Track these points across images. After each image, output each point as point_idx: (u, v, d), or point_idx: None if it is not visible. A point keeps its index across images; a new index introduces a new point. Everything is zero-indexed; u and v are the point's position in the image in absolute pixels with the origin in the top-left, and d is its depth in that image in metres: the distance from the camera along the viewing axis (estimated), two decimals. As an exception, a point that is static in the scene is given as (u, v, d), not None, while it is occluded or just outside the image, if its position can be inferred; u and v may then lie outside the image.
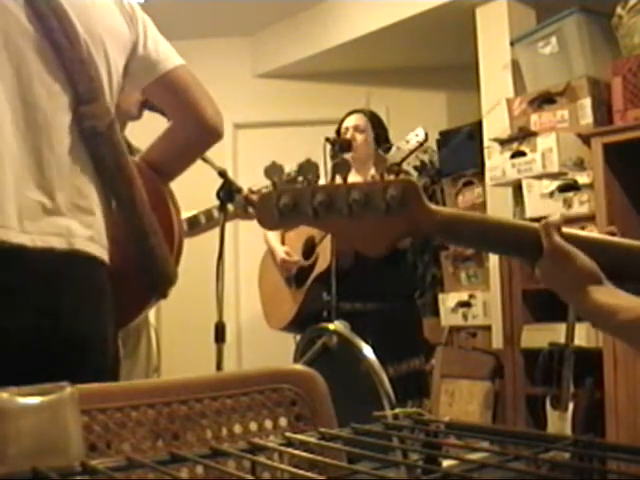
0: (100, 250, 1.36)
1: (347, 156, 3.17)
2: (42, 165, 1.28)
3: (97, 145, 1.36)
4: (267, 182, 2.91)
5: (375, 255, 0.94)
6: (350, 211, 0.92)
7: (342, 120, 3.40)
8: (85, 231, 1.32)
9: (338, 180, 2.83)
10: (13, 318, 1.22)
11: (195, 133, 1.56)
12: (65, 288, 1.29)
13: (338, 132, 3.37)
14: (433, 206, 0.95)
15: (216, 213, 2.40)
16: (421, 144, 2.91)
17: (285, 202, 0.94)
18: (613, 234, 1.00)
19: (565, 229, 0.97)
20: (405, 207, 0.92)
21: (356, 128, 3.31)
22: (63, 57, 1.32)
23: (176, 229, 1.61)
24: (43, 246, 1.25)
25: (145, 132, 1.83)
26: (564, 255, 0.95)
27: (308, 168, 0.97)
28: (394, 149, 2.87)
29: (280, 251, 3.39)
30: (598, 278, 0.95)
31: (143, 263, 1.42)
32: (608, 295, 0.94)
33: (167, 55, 1.52)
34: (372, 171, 2.87)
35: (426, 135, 2.87)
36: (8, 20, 1.29)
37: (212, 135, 1.56)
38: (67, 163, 1.32)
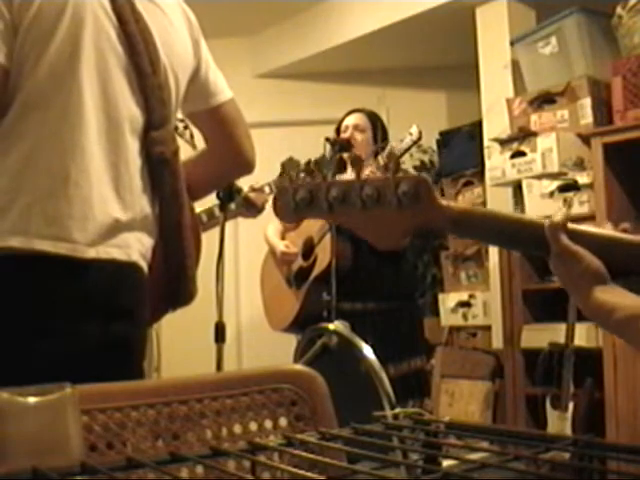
0: (145, 265, 1.42)
1: (346, 155, 3.18)
2: (118, 183, 1.34)
3: (161, 171, 1.41)
4: (268, 180, 2.90)
5: (388, 248, 0.97)
6: (363, 205, 0.95)
7: (342, 119, 3.39)
8: (139, 246, 1.38)
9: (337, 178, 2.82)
10: (80, 324, 1.29)
11: (231, 166, 1.64)
12: (122, 296, 1.36)
13: (338, 130, 3.36)
14: (444, 202, 0.97)
15: (217, 211, 2.40)
16: (415, 142, 2.90)
17: (302, 196, 0.97)
18: (626, 231, 1.01)
19: (573, 225, 0.98)
20: (416, 202, 0.94)
21: (356, 127, 3.30)
22: (144, 82, 1.36)
23: (199, 249, 1.68)
24: (107, 258, 1.32)
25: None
26: (571, 257, 0.97)
27: (323, 163, 1.00)
28: (389, 148, 2.87)
29: (280, 244, 3.40)
30: (603, 278, 0.96)
31: (175, 281, 1.48)
32: (610, 294, 0.95)
33: (222, 87, 1.57)
34: (370, 168, 2.87)
35: (420, 133, 2.86)
36: (101, 37, 1.32)
37: (246, 170, 1.65)
38: (136, 184, 1.37)
